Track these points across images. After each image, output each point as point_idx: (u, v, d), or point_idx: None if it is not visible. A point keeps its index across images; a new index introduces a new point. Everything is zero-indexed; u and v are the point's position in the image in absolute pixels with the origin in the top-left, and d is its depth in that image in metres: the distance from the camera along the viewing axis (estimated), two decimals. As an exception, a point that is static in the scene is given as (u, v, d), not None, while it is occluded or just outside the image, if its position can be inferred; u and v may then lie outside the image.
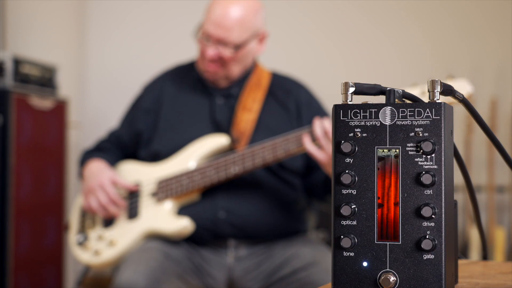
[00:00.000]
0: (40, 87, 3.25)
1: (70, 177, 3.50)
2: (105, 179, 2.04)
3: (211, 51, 2.03)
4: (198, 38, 2.10)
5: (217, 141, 2.05)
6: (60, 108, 3.36)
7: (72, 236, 2.14)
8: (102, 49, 4.20)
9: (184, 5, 4.04)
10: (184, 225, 1.99)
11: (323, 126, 1.86)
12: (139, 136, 2.19)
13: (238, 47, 2.04)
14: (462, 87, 1.77)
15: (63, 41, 3.87)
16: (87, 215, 2.12)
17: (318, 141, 1.87)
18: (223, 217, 2.00)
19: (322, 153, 1.86)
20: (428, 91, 0.77)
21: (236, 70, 2.10)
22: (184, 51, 3.08)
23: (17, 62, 3.10)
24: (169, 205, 2.03)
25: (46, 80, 3.32)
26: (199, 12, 2.22)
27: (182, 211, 2.03)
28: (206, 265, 2.02)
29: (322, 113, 2.12)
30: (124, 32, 4.18)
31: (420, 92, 1.78)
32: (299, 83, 2.21)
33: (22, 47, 3.60)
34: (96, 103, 4.16)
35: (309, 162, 2.08)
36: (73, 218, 2.17)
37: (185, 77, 2.22)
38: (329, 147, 1.85)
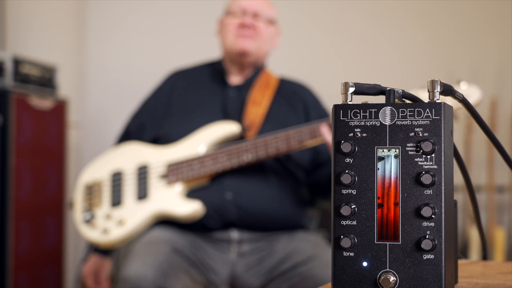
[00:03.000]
0: (40, 87, 3.25)
1: (70, 177, 3.50)
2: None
3: (249, 19, 2.19)
4: (228, 18, 2.22)
5: (228, 128, 2.09)
6: (60, 108, 3.36)
7: (78, 214, 2.12)
8: (102, 49, 4.20)
9: (184, 6, 4.04)
10: (195, 208, 2.01)
11: None
12: (143, 125, 2.24)
13: (269, 22, 2.22)
14: (472, 92, 1.80)
15: (63, 41, 3.87)
16: (93, 193, 2.12)
17: None
18: (230, 198, 2.03)
19: None
20: (428, 91, 0.77)
21: (263, 50, 2.22)
22: (184, 51, 3.08)
23: (17, 62, 3.10)
24: (179, 188, 2.04)
25: (46, 80, 3.32)
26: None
27: (190, 193, 2.05)
28: (209, 260, 2.03)
29: (327, 116, 2.18)
30: (124, 32, 4.18)
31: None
32: (306, 87, 2.30)
33: (22, 47, 3.60)
34: (96, 103, 4.16)
35: (316, 158, 2.11)
36: (78, 196, 2.16)
37: (201, 71, 2.31)
38: None
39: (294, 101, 2.19)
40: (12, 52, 3.22)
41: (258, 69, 2.25)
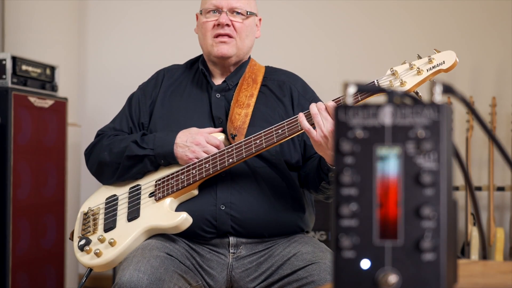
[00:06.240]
0: (39, 86, 3.25)
1: (69, 176, 3.50)
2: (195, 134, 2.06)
3: (224, 18, 2.10)
4: (203, 16, 2.14)
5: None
6: (59, 107, 3.36)
7: (75, 243, 2.13)
8: (100, 49, 4.20)
9: (182, 5, 4.04)
10: (182, 218, 1.98)
11: (320, 104, 1.86)
12: (142, 127, 2.19)
13: (247, 14, 2.13)
14: (448, 57, 1.84)
15: (62, 41, 3.88)
16: (88, 220, 2.12)
17: (313, 118, 1.86)
18: (223, 211, 2.00)
19: (316, 131, 1.85)
20: (428, 90, 0.77)
21: (244, 48, 2.15)
22: (183, 51, 3.07)
23: (17, 62, 3.10)
24: (167, 202, 2.04)
25: (45, 79, 3.32)
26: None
27: (181, 206, 2.03)
28: (206, 265, 2.02)
29: (317, 101, 2.13)
30: (123, 32, 4.18)
31: (408, 67, 1.90)
32: (293, 75, 2.23)
33: (20, 47, 3.60)
34: (95, 103, 4.16)
35: (304, 153, 2.10)
36: (76, 225, 2.17)
37: (186, 72, 2.25)
38: (326, 124, 1.83)
39: (281, 95, 2.14)
40: (11, 52, 3.22)
41: (242, 65, 2.19)
